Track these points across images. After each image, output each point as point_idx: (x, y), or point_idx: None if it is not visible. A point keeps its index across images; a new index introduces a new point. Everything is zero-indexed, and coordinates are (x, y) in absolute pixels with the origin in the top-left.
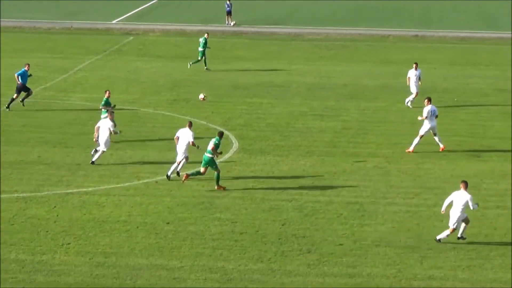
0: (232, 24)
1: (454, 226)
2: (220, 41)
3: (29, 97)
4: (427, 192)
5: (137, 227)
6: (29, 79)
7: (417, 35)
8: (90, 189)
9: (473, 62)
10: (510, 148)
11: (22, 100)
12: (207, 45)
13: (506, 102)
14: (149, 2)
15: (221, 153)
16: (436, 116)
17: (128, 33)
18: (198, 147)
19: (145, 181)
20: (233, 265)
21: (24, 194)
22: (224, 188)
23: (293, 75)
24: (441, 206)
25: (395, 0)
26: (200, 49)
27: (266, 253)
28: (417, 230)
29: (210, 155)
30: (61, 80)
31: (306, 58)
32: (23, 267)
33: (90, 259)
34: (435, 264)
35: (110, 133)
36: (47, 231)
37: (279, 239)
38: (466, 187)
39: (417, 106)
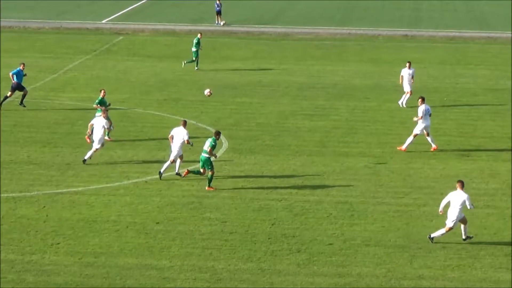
0: (221, 23)
1: (452, 225)
2: (210, 40)
3: (25, 96)
4: (417, 191)
5: (127, 227)
6: (23, 78)
7: (407, 35)
8: (79, 189)
9: (463, 62)
10: (499, 148)
11: (21, 103)
12: (200, 46)
13: (496, 102)
14: (138, 2)
15: (216, 154)
16: (430, 115)
17: (117, 32)
18: (191, 144)
19: (134, 181)
20: (223, 265)
21: (14, 194)
22: (214, 189)
23: (283, 74)
24: (430, 205)
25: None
26: (193, 49)
27: (255, 253)
28: (407, 230)
29: (207, 155)
30: (51, 80)
31: (295, 58)
32: (12, 267)
33: (79, 259)
34: (425, 263)
35: (105, 131)
36: (36, 231)
37: (269, 238)
38: (462, 187)
39: (412, 106)
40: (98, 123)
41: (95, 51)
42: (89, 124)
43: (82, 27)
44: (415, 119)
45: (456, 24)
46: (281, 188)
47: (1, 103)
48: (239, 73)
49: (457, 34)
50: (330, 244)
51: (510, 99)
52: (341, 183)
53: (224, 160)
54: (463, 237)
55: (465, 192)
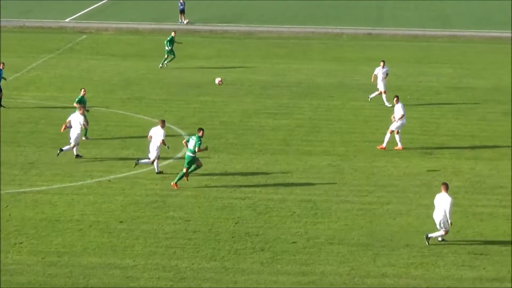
0: (185, 22)
1: (447, 228)
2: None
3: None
4: (380, 189)
5: (90, 226)
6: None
7: (370, 33)
8: (43, 188)
9: (426, 60)
10: (462, 146)
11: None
12: (171, 45)
13: (459, 100)
14: (102, 1)
15: (206, 147)
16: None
17: (81, 31)
18: (168, 147)
19: (98, 180)
20: (187, 264)
21: None
22: (177, 187)
23: (247, 73)
24: (394, 203)
25: None
26: (167, 47)
27: (219, 252)
28: (370, 228)
29: (192, 154)
30: (14, 79)
31: (259, 56)
32: None
33: (42, 258)
34: (388, 261)
35: (81, 128)
36: None
37: (233, 237)
38: (446, 189)
39: (381, 103)
40: (75, 120)
41: (58, 50)
42: (66, 120)
43: (45, 26)
44: (397, 117)
45: (419, 22)
46: (245, 186)
47: None
48: (202, 71)
49: (420, 32)
50: (294, 242)
51: (473, 97)
52: (304, 182)
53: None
54: (429, 234)
55: (449, 195)
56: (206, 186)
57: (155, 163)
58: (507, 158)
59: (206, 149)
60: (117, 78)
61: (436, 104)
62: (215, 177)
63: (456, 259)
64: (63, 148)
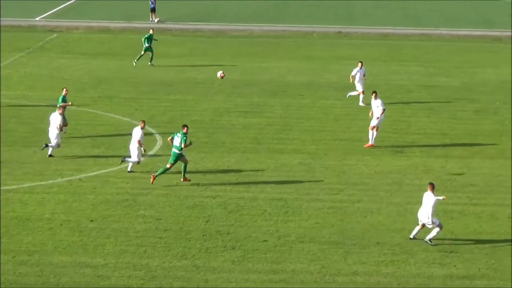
0: (156, 21)
1: (436, 222)
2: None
3: None
4: (351, 188)
5: (61, 224)
6: None
7: (340, 32)
8: (13, 187)
9: (397, 59)
10: (433, 144)
11: None
12: (149, 42)
13: (430, 98)
14: (72, 0)
15: (189, 144)
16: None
17: (51, 30)
18: (144, 149)
19: (68, 178)
20: (157, 262)
21: None
22: (153, 181)
23: (217, 71)
24: (365, 201)
25: None
26: (146, 45)
27: (190, 250)
28: (341, 226)
29: (178, 151)
30: None
31: (230, 55)
32: None
33: (13, 257)
34: (359, 259)
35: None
36: None
37: (203, 235)
38: (432, 189)
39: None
40: (54, 121)
41: (28, 48)
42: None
43: (15, 24)
44: (380, 114)
45: (390, 21)
46: (216, 185)
47: None
48: (173, 70)
49: (391, 31)
50: (265, 240)
51: (444, 95)
52: (275, 180)
53: (158, 157)
54: (411, 235)
55: (435, 194)
56: (177, 185)
57: (130, 164)
58: (478, 156)
59: (190, 144)
60: (88, 77)
61: (407, 102)
62: (186, 176)
63: (426, 257)
64: (48, 145)
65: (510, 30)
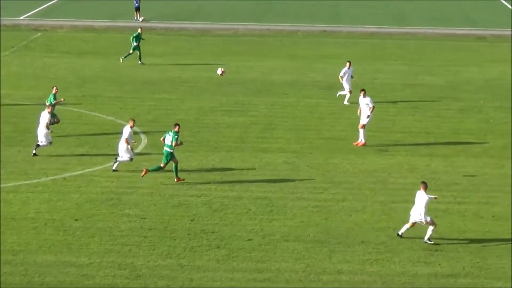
0: (140, 20)
1: (428, 221)
2: (129, 37)
3: None
4: (336, 186)
5: (45, 224)
6: None
7: (325, 31)
8: None
9: (381, 57)
10: (417, 142)
11: None
12: (137, 41)
13: (414, 97)
14: None
15: (181, 143)
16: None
17: (36, 29)
18: (130, 148)
19: (53, 177)
20: (142, 261)
21: None
22: (142, 175)
23: (202, 70)
24: (349, 200)
25: None
26: (134, 44)
27: (175, 249)
28: (326, 225)
29: (170, 150)
30: None
31: (215, 54)
32: None
33: None
34: (344, 258)
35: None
36: None
37: (188, 234)
38: (425, 188)
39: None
40: (42, 120)
41: (13, 47)
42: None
43: None
44: (371, 112)
45: (375, 20)
46: (200, 184)
47: None
48: (158, 69)
49: (375, 30)
50: (249, 239)
51: (429, 94)
52: (260, 179)
53: (144, 154)
54: (400, 232)
55: (427, 193)
56: (162, 184)
57: (116, 164)
58: (462, 155)
59: (181, 143)
60: (72, 76)
61: (392, 101)
62: (170, 175)
63: (411, 255)
64: (40, 144)
65: (496, 29)
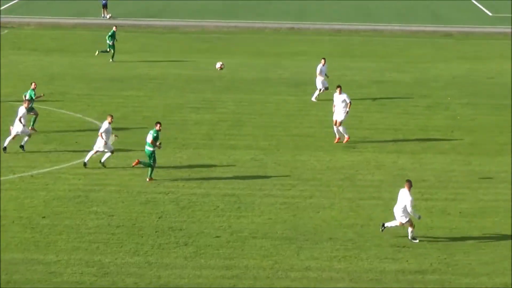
0: (108, 17)
1: (406, 221)
2: (96, 34)
3: None
4: (304, 183)
5: (13, 221)
6: None
7: (293, 28)
8: None
9: (349, 54)
10: (384, 139)
11: None
12: (112, 39)
13: (381, 94)
14: None
15: (160, 144)
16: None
17: (2, 26)
18: (105, 142)
19: (20, 175)
20: (110, 259)
21: None
22: (153, 180)
23: (170, 67)
24: (317, 197)
25: None
26: (109, 42)
27: (143, 246)
28: (294, 222)
29: (151, 148)
30: None
31: (182, 51)
32: None
33: None
34: (312, 255)
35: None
36: None
37: (156, 232)
38: (409, 187)
39: (324, 99)
40: (18, 114)
41: None
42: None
43: None
44: (348, 107)
45: (342, 17)
46: (168, 181)
47: None
48: (125, 66)
49: (342, 26)
50: (217, 236)
51: (396, 91)
52: (228, 176)
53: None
54: (409, 237)
55: (411, 194)
56: (130, 181)
57: (90, 153)
58: (430, 152)
59: (159, 146)
60: (40, 73)
61: (359, 98)
62: (138, 172)
63: (379, 252)
64: (23, 144)
65: (463, 26)
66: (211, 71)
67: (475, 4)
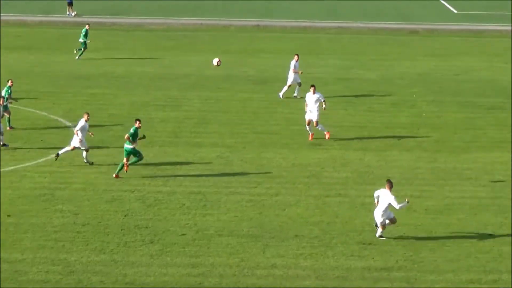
0: (73, 14)
1: (381, 223)
2: (61, 32)
3: None
4: (269, 181)
5: None
6: None
7: (258, 25)
8: None
9: (314, 51)
10: (350, 137)
11: None
12: (87, 38)
13: (347, 91)
14: None
15: (143, 137)
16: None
17: None
18: (80, 139)
19: None
20: (76, 257)
21: None
22: (117, 177)
23: (136, 65)
24: (283, 194)
25: None
26: (81, 40)
27: (108, 244)
28: (260, 219)
29: (129, 146)
30: None
31: (148, 49)
32: None
33: None
34: (278, 252)
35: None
36: None
37: (122, 230)
38: (390, 188)
39: (290, 97)
40: None
41: None
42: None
43: None
44: (324, 105)
45: (308, 14)
46: (134, 179)
47: None
48: (91, 63)
49: (308, 24)
50: (183, 234)
51: (361, 88)
52: (194, 174)
53: (78, 148)
54: (377, 234)
55: (392, 193)
56: (95, 179)
57: (66, 148)
58: (395, 149)
59: (133, 141)
60: (4, 71)
61: (325, 95)
62: (104, 170)
63: (345, 249)
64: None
65: (428, 23)
66: (176, 68)
67: (440, 1)
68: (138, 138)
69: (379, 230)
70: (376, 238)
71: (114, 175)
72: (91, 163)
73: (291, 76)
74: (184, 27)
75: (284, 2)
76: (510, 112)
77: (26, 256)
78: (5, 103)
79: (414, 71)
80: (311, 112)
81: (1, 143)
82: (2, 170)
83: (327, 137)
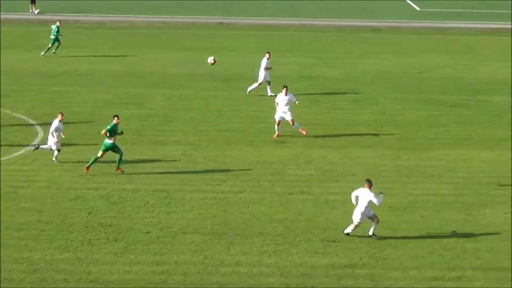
0: (36, 12)
1: (358, 222)
2: (24, 29)
3: None
4: (233, 178)
5: None
6: None
7: (222, 23)
8: None
9: (278, 49)
10: (314, 134)
11: None
12: (60, 33)
13: (310, 89)
14: None
15: (121, 133)
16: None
17: None
18: (56, 140)
19: None
20: (39, 255)
21: None
22: (122, 171)
23: (99, 63)
24: (247, 192)
25: None
26: (52, 36)
27: (72, 242)
28: (224, 217)
29: (109, 141)
30: None
31: (111, 46)
32: None
33: None
34: (242, 250)
35: None
36: None
37: (86, 228)
38: (370, 186)
39: (255, 95)
40: None
41: None
42: None
43: None
44: (297, 102)
45: (271, 12)
46: (98, 176)
47: None
48: (54, 61)
49: (272, 22)
50: (147, 232)
51: (325, 86)
52: (157, 171)
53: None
54: (370, 233)
55: (372, 191)
56: (59, 177)
57: (55, 153)
58: (359, 146)
59: (108, 135)
60: None
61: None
62: (67, 168)
63: (309, 246)
64: None
65: (390, 20)
66: (140, 66)
67: None
68: (116, 134)
69: (350, 227)
70: (342, 235)
71: (115, 169)
72: (58, 161)
73: (261, 74)
74: (148, 25)
75: (248, 0)
76: (474, 109)
77: None
78: None
79: (377, 69)
80: (284, 112)
81: None
82: None
83: (304, 133)
